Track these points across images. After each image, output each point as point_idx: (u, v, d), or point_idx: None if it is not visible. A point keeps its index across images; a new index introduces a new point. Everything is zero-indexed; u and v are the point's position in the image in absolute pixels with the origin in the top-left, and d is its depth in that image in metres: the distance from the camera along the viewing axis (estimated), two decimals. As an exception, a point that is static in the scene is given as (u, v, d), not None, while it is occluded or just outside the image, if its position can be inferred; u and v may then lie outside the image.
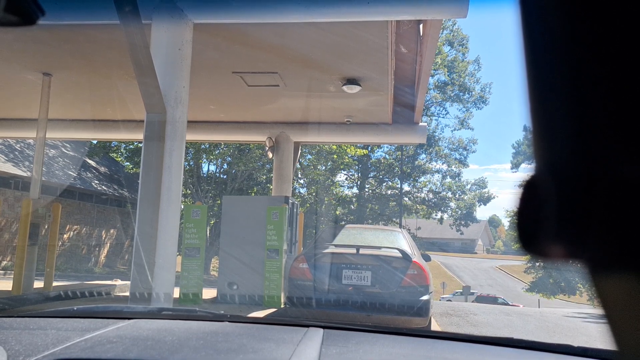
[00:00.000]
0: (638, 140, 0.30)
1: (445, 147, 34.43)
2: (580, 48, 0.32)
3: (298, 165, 22.85)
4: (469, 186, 35.99)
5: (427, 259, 7.21)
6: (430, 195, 34.13)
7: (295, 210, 10.19)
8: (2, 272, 15.37)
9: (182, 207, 10.34)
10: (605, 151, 0.31)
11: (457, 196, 34.75)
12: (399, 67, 8.44)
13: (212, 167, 26.49)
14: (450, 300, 24.77)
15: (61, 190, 17.93)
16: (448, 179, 34.40)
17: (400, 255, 6.31)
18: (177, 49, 5.59)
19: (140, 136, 7.17)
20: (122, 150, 25.65)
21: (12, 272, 10.06)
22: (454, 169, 34.46)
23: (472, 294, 33.15)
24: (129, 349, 1.29)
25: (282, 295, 7.97)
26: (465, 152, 34.69)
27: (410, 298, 6.02)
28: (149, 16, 5.44)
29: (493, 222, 77.54)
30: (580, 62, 0.32)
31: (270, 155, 11.83)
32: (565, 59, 0.33)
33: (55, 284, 9.66)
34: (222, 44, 6.91)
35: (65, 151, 22.07)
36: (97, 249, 21.96)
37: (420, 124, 11.46)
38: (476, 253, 62.11)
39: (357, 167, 32.56)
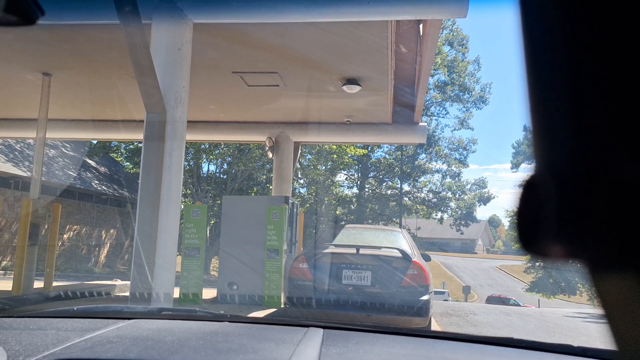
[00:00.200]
0: (638, 140, 0.30)
1: (445, 147, 34.45)
2: (580, 48, 0.32)
3: (298, 165, 22.85)
4: (469, 186, 36.01)
5: (427, 259, 7.21)
6: (430, 195, 34.13)
7: (295, 210, 10.19)
8: (2, 272, 15.37)
9: (182, 207, 10.34)
10: (605, 151, 0.31)
11: (457, 196, 34.75)
12: (399, 67, 8.44)
13: (212, 167, 26.52)
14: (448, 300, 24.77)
15: (61, 190, 17.93)
16: (448, 179, 34.41)
17: (400, 255, 6.31)
18: (177, 49, 5.59)
19: (140, 136, 7.17)
20: (122, 150, 25.65)
21: (12, 272, 10.07)
22: (454, 169, 34.48)
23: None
24: (129, 349, 1.29)
25: (282, 295, 7.97)
26: (465, 152, 34.72)
27: (410, 298, 6.02)
28: (148, 16, 5.44)
29: (493, 222, 77.55)
30: (580, 62, 0.32)
31: (270, 155, 11.83)
32: (565, 59, 0.33)
33: (55, 284, 9.66)
34: (222, 44, 6.91)
35: (65, 151, 22.07)
36: (97, 249, 21.97)
37: (420, 123, 11.46)
38: (476, 253, 62.11)
39: (357, 167, 32.57)
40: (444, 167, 34.36)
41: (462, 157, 34.67)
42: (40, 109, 8.86)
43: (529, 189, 0.35)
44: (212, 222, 24.57)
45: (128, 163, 26.10)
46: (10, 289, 8.67)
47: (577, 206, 0.32)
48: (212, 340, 1.44)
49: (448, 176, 34.46)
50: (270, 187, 15.01)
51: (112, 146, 24.80)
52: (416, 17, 6.30)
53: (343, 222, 26.95)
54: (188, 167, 23.63)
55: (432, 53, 7.55)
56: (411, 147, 31.41)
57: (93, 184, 21.97)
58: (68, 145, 22.46)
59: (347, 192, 32.74)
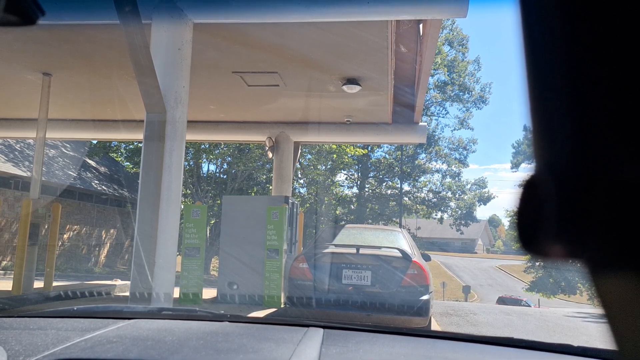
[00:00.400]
0: (638, 140, 0.30)
1: (445, 146, 34.45)
2: (580, 48, 0.32)
3: (298, 165, 22.85)
4: (469, 186, 36.02)
5: (427, 258, 7.21)
6: (430, 195, 34.14)
7: (295, 210, 10.19)
8: (2, 272, 15.37)
9: (182, 207, 10.34)
10: (605, 151, 0.31)
11: (457, 196, 34.75)
12: (399, 67, 8.44)
13: (212, 167, 26.52)
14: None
15: (61, 190, 17.93)
16: (448, 179, 34.41)
17: (400, 255, 6.31)
18: (177, 49, 5.59)
19: (140, 136, 7.16)
20: (122, 150, 25.65)
21: (12, 272, 10.06)
22: (454, 169, 34.48)
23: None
24: (129, 349, 1.29)
25: (282, 295, 7.97)
26: (465, 152, 34.73)
27: (410, 298, 6.02)
28: (148, 16, 5.44)
29: (493, 222, 77.56)
30: (580, 62, 0.32)
31: (270, 155, 11.83)
32: (565, 59, 0.33)
33: (55, 284, 9.66)
34: (222, 44, 6.91)
35: (65, 151, 22.07)
36: (97, 249, 21.97)
37: (420, 123, 11.46)
38: (476, 253, 62.12)
39: (357, 167, 32.57)
40: (444, 167, 34.40)
41: (462, 157, 34.70)
42: (40, 109, 8.86)
43: (529, 188, 0.35)
44: (212, 222, 24.57)
45: (128, 163, 26.10)
46: (10, 289, 8.67)
47: (577, 206, 0.32)
48: (212, 340, 1.44)
49: (448, 176, 34.47)
50: (270, 187, 15.01)
51: (112, 146, 24.80)
52: (416, 17, 6.30)
53: (343, 222, 26.95)
54: (188, 167, 23.63)
55: (432, 53, 7.55)
56: (411, 147, 31.41)
57: (93, 184, 21.96)
58: (68, 145, 22.45)
59: (347, 192, 32.77)
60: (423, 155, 33.73)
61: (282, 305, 8.00)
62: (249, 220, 8.85)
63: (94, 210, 21.61)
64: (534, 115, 0.35)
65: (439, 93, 33.49)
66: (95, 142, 22.55)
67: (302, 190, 28.53)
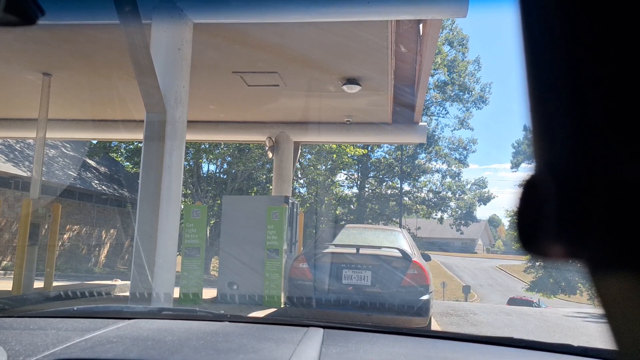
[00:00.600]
0: (638, 140, 0.30)
1: (445, 146, 34.46)
2: (580, 48, 0.32)
3: (298, 165, 22.84)
4: (469, 186, 36.03)
5: (427, 258, 7.21)
6: (430, 195, 34.14)
7: (295, 210, 10.19)
8: (2, 272, 15.37)
9: (182, 207, 10.34)
10: (605, 151, 0.31)
11: (457, 196, 34.76)
12: (399, 67, 8.44)
13: (212, 167, 26.53)
14: None
15: (61, 190, 17.93)
16: (448, 179, 34.42)
17: (400, 255, 6.31)
18: (177, 49, 5.59)
19: (140, 136, 7.17)
20: (122, 150, 25.65)
21: (12, 272, 10.06)
22: (454, 169, 34.49)
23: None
24: (129, 349, 1.29)
25: (282, 295, 7.97)
26: (465, 152, 34.74)
27: (410, 298, 6.02)
28: (148, 16, 5.44)
29: (493, 222, 77.58)
30: (580, 62, 0.32)
31: (270, 155, 11.83)
32: (565, 59, 0.33)
33: (55, 284, 9.66)
34: (222, 44, 6.91)
35: (65, 151, 22.07)
36: (97, 249, 21.97)
37: (420, 123, 11.46)
38: (476, 253, 62.14)
39: (357, 167, 32.56)
40: (444, 166, 34.40)
41: (462, 156, 34.71)
42: (40, 109, 8.86)
43: (529, 188, 0.35)
44: (212, 222, 24.57)
45: (128, 163, 26.10)
46: (10, 289, 8.67)
47: (577, 206, 0.32)
48: (212, 340, 1.44)
49: (448, 176, 34.48)
50: (270, 187, 15.01)
51: (112, 146, 24.80)
52: (416, 17, 6.30)
53: (343, 222, 26.95)
54: (188, 167, 23.63)
55: (432, 53, 7.55)
56: (411, 146, 31.42)
57: (93, 184, 21.97)
58: (68, 145, 22.45)
59: (347, 192, 32.77)
60: (423, 155, 33.74)
61: (282, 305, 8.00)
62: (249, 220, 8.85)
63: (94, 210, 21.61)
64: (534, 115, 0.35)
65: (439, 93, 33.49)
66: (95, 142, 22.56)
67: (302, 190, 28.54)
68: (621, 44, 0.30)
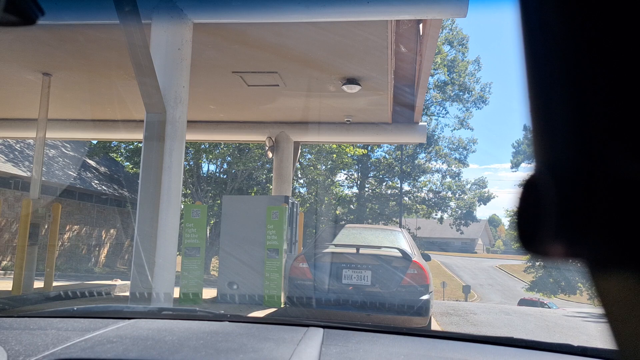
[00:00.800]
0: (638, 140, 0.30)
1: (445, 146, 34.47)
2: (580, 48, 0.32)
3: (298, 165, 22.84)
4: (468, 186, 36.05)
5: (427, 258, 7.21)
6: (430, 195, 34.15)
7: (295, 209, 10.19)
8: (2, 272, 15.37)
9: (182, 207, 10.34)
10: (605, 150, 0.31)
11: (457, 196, 34.77)
12: (399, 67, 8.44)
13: (212, 167, 26.52)
14: None
15: (61, 190, 17.94)
16: (448, 179, 34.43)
17: (400, 254, 6.31)
18: (177, 48, 5.59)
19: (140, 136, 7.17)
20: (122, 150, 25.64)
21: (12, 272, 10.06)
22: (454, 169, 34.50)
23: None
24: (129, 349, 1.29)
25: (282, 294, 7.97)
26: (465, 152, 34.74)
27: (410, 297, 6.02)
28: (148, 16, 5.44)
29: (493, 222, 77.61)
30: (580, 61, 0.32)
31: (270, 155, 11.83)
32: (565, 59, 0.33)
33: (55, 284, 9.66)
34: (222, 44, 6.91)
35: (65, 151, 22.07)
36: (97, 249, 21.96)
37: (420, 123, 11.46)
38: (476, 252, 62.16)
39: (356, 167, 32.57)
40: (444, 166, 34.41)
41: (462, 156, 34.71)
42: (40, 109, 8.86)
43: (529, 188, 0.35)
44: (212, 222, 24.57)
45: (128, 163, 26.09)
46: (10, 289, 8.68)
47: (577, 205, 0.32)
48: (212, 340, 1.44)
49: (448, 176, 34.49)
50: (270, 187, 15.01)
51: (112, 146, 24.80)
52: (416, 16, 6.30)
53: (343, 222, 26.95)
54: (188, 167, 23.63)
55: (432, 53, 7.55)
56: (411, 146, 31.43)
57: (93, 184, 21.96)
58: (68, 145, 22.45)
59: (347, 191, 32.77)
60: (423, 155, 33.75)
61: (282, 305, 8.00)
62: (249, 220, 8.85)
63: (94, 210, 21.61)
64: (533, 115, 0.35)
65: (439, 93, 33.49)
66: (95, 142, 22.56)
67: (302, 190, 28.53)
68: (621, 44, 0.30)
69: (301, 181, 28.05)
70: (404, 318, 5.97)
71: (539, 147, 0.35)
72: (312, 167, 26.99)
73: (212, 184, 25.49)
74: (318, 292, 6.20)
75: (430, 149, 33.31)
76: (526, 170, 0.36)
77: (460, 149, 34.59)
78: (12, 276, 9.30)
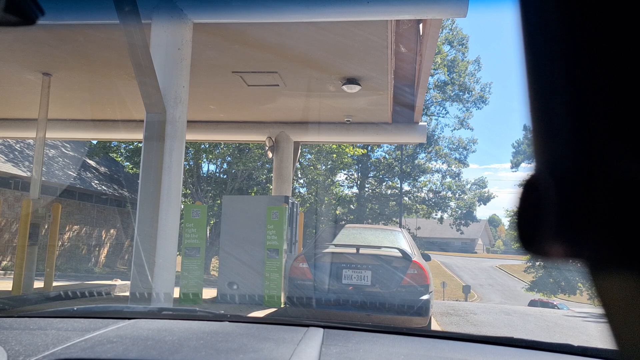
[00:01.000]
0: (638, 140, 0.30)
1: (445, 146, 34.46)
2: (580, 48, 0.32)
3: (298, 165, 22.84)
4: (468, 186, 36.04)
5: (427, 258, 7.21)
6: (430, 195, 34.14)
7: (295, 210, 10.19)
8: (2, 272, 15.37)
9: (182, 207, 10.34)
10: (605, 150, 0.31)
11: (457, 196, 34.77)
12: (399, 67, 8.44)
13: (212, 167, 26.52)
14: None
15: (61, 190, 17.93)
16: (448, 179, 34.42)
17: (400, 254, 6.31)
18: (177, 48, 5.59)
19: (140, 136, 7.17)
20: (122, 150, 25.64)
21: (12, 272, 10.06)
22: (454, 169, 34.50)
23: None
24: (129, 349, 1.29)
25: (282, 295, 7.97)
26: (465, 152, 34.73)
27: (410, 297, 6.02)
28: (148, 16, 5.44)
29: (493, 222, 77.62)
30: (580, 61, 0.32)
31: (270, 155, 11.83)
32: (565, 59, 0.33)
33: (55, 284, 9.66)
34: (222, 44, 6.91)
35: (65, 151, 22.07)
36: (97, 249, 21.96)
37: (420, 123, 11.46)
38: (476, 252, 62.17)
39: (356, 167, 32.56)
40: (444, 166, 34.41)
41: (462, 156, 34.70)
42: (40, 109, 8.86)
43: (529, 188, 0.35)
44: (212, 222, 24.57)
45: (128, 163, 26.09)
46: (10, 289, 8.67)
47: (577, 205, 0.32)
48: (212, 340, 1.44)
49: (448, 176, 34.48)
50: (270, 187, 15.01)
51: (112, 146, 24.80)
52: (416, 16, 6.30)
53: (343, 222, 26.95)
54: (188, 167, 23.63)
55: (432, 53, 7.55)
56: (411, 146, 31.43)
57: (93, 184, 21.96)
58: (68, 145, 22.45)
59: (347, 191, 32.76)
60: (423, 155, 33.74)
61: (282, 305, 8.00)
62: (249, 220, 8.85)
63: (94, 210, 21.61)
64: (533, 114, 0.35)
65: (439, 93, 33.49)
66: (95, 142, 22.55)
67: (302, 190, 28.52)
68: (621, 44, 0.30)
69: (301, 181, 28.05)
70: (404, 318, 5.97)
71: (539, 147, 0.35)
72: (312, 167, 26.99)
73: (212, 184, 25.49)
74: (318, 292, 6.20)
75: (430, 149, 33.31)
76: (526, 170, 0.36)
77: (460, 149, 34.60)
78: (12, 276, 9.30)
